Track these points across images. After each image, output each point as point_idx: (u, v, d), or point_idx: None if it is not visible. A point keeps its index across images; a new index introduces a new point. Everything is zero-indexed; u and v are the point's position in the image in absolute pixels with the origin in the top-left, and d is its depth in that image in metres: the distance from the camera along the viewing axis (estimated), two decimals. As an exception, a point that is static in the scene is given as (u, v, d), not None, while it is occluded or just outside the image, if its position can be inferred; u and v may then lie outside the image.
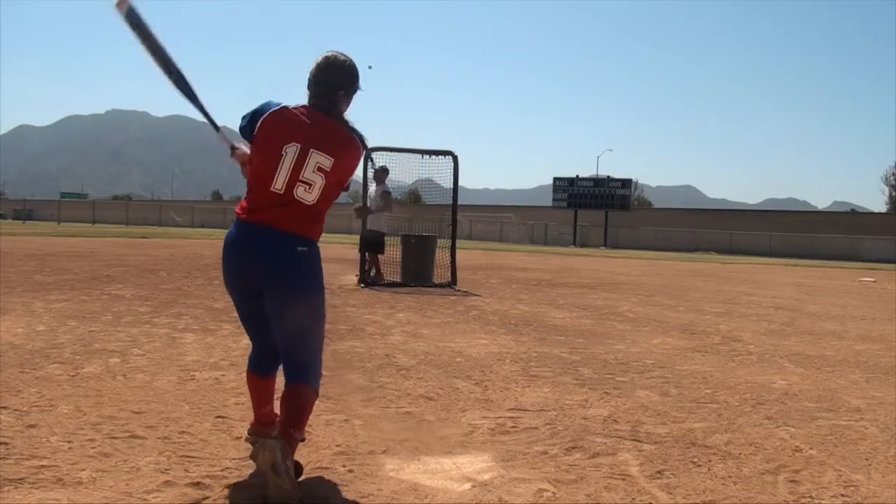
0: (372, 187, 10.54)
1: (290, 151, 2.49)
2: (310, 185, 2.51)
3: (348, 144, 2.60)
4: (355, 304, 8.07)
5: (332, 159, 2.53)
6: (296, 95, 2.68)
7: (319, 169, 2.52)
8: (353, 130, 2.62)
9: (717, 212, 70.52)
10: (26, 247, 16.12)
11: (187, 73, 2.68)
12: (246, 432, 2.98)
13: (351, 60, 2.65)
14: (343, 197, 2.97)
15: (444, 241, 11.52)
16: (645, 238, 48.64)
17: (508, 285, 11.72)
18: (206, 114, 2.70)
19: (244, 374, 2.87)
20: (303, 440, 2.91)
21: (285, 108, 2.57)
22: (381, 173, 10.55)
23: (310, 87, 2.62)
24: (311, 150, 2.51)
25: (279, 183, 2.50)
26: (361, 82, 2.68)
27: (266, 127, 2.54)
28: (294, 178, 2.50)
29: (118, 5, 2.54)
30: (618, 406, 3.82)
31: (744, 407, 3.92)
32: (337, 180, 2.59)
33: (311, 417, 3.20)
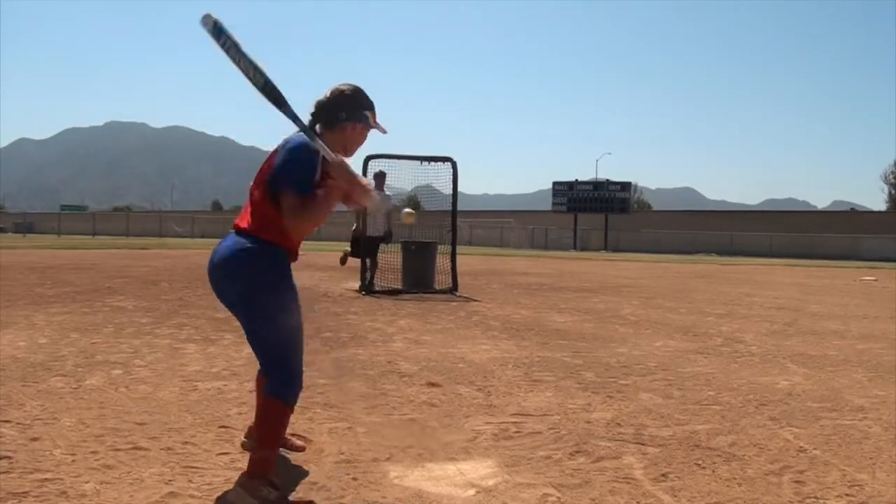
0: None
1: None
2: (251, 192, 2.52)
3: (285, 144, 2.48)
4: (357, 311, 8.07)
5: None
6: (291, 100, 2.64)
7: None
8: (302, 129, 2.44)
9: (717, 213, 70.57)
10: (27, 260, 16.13)
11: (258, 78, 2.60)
12: (244, 437, 3.01)
13: (335, 89, 2.59)
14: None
15: (444, 247, 11.54)
16: (645, 241, 48.67)
17: (509, 290, 11.72)
18: (298, 121, 2.43)
19: (246, 384, 2.89)
20: (302, 449, 2.93)
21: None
22: (380, 179, 10.66)
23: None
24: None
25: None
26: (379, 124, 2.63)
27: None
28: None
29: (203, 20, 2.49)
30: (621, 409, 3.81)
31: (747, 408, 3.92)
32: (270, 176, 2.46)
33: (314, 426, 3.21)
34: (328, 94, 2.59)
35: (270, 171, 2.45)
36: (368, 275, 10.60)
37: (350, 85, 2.61)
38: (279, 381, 2.47)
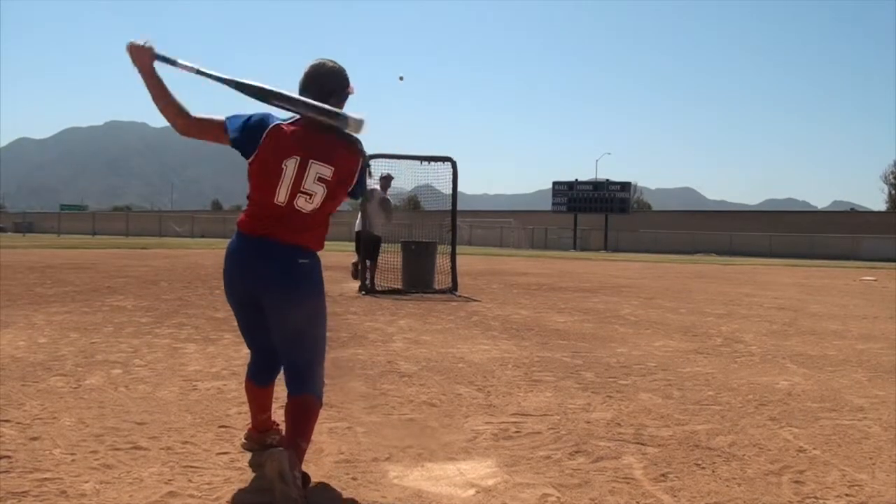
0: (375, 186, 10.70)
1: (290, 164, 2.51)
2: (310, 195, 2.55)
3: (345, 149, 2.61)
4: (357, 311, 8.07)
5: (332, 168, 2.56)
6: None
7: (320, 179, 2.55)
8: (348, 136, 2.62)
9: (716, 213, 70.60)
10: (27, 259, 16.13)
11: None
12: (243, 438, 3.03)
13: (339, 66, 2.67)
14: (344, 204, 2.97)
15: (444, 247, 11.55)
16: (645, 241, 48.66)
17: (509, 290, 11.72)
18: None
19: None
20: None
21: (281, 122, 2.58)
22: (385, 181, 10.69)
23: (301, 95, 2.61)
24: (311, 161, 2.53)
25: (281, 196, 2.53)
26: (354, 86, 2.69)
27: (268, 142, 2.53)
28: (295, 190, 2.53)
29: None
30: (621, 409, 3.81)
31: (747, 408, 3.92)
32: (339, 187, 2.61)
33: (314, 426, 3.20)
34: (322, 90, 2.59)
35: (353, 182, 2.63)
36: (368, 275, 10.60)
37: (333, 67, 2.65)
38: (321, 383, 2.67)
